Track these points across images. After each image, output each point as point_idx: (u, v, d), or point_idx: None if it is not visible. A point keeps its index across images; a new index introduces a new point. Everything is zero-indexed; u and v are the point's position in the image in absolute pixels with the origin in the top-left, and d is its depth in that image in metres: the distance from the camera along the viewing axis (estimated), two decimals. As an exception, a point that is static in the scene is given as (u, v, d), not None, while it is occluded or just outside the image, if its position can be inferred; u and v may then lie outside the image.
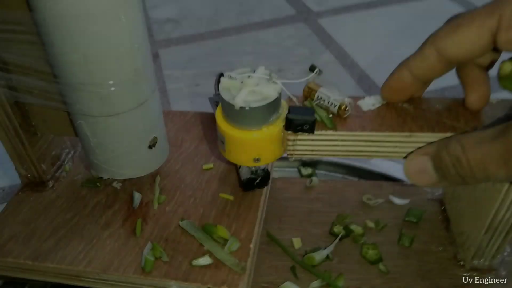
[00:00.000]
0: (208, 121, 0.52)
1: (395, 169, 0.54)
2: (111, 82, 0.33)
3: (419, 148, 0.33)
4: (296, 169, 0.59)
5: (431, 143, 0.33)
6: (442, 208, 0.47)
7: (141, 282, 0.37)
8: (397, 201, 0.48)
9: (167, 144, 0.43)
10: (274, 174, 0.57)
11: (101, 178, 0.44)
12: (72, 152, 0.48)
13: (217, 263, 0.37)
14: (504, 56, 0.32)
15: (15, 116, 0.39)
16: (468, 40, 0.30)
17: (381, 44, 0.87)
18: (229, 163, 0.46)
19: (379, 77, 0.76)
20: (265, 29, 0.94)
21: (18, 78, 0.36)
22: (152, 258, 0.37)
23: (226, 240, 0.38)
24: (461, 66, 0.35)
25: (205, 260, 0.37)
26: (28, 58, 0.34)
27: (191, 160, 0.47)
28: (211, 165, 0.46)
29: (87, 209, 0.42)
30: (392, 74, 0.35)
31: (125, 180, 0.45)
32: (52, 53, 0.32)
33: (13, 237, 0.40)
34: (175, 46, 0.91)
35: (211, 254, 0.37)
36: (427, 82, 0.36)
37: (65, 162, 0.47)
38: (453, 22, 0.31)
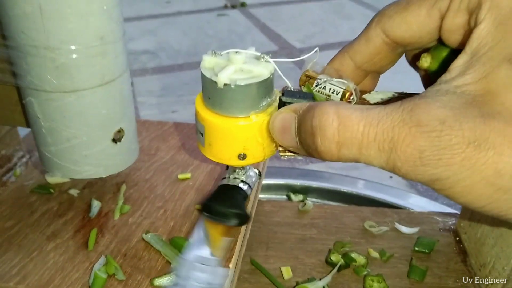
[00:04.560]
0: (189, 131, 0.45)
1: (399, 196, 0.48)
2: (72, 47, 0.28)
3: (290, 105, 0.26)
4: (285, 198, 0.52)
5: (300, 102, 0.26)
6: (457, 238, 0.40)
7: (86, 305, 0.29)
8: (405, 229, 0.41)
9: (136, 143, 0.36)
10: (261, 197, 0.50)
11: (55, 183, 0.37)
12: (27, 157, 0.41)
13: (186, 285, 0.29)
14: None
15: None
16: (417, 21, 0.26)
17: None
18: (210, 173, 0.39)
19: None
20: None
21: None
22: (104, 276, 0.29)
23: (199, 258, 0.31)
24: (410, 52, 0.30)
25: (170, 280, 0.29)
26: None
27: (165, 170, 0.40)
28: (188, 175, 0.39)
29: (33, 217, 0.35)
30: (331, 61, 0.30)
31: (84, 187, 0.38)
32: (1, 3, 0.27)
33: None
34: (150, 75, 0.87)
35: (179, 273, 0.30)
36: (371, 73, 0.31)
37: (17, 166, 0.40)
38: None
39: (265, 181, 0.51)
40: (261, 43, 1.01)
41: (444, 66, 0.28)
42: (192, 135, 0.44)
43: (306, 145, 0.23)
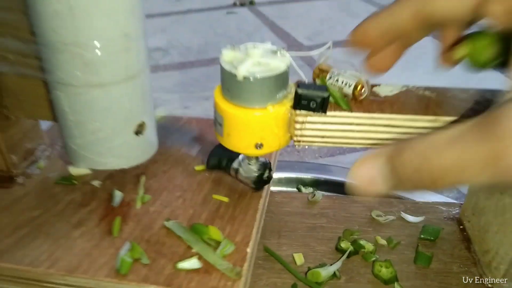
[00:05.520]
0: (204, 126, 0.47)
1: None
2: (97, 44, 0.29)
3: (367, 153, 0.28)
4: (295, 190, 0.54)
5: (379, 147, 0.28)
6: (461, 227, 0.42)
7: (114, 287, 0.30)
8: (411, 218, 0.43)
9: (155, 136, 0.38)
10: (272, 189, 0.51)
11: (78, 175, 0.39)
12: (49, 150, 0.43)
13: (208, 268, 0.31)
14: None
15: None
16: None
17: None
18: (224, 165, 0.41)
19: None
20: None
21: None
22: (130, 260, 0.31)
23: (218, 243, 0.33)
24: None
25: (192, 264, 0.31)
26: (2, 11, 0.30)
27: (182, 162, 0.42)
28: (204, 167, 0.41)
29: (58, 207, 0.36)
30: (360, 23, 0.30)
31: (105, 178, 0.39)
32: (32, 2, 0.28)
33: (-34, 233, 0.34)
34: (162, 72, 0.89)
35: (200, 257, 0.32)
36: (394, 42, 0.30)
37: (40, 159, 0.41)
38: None
39: (276, 175, 0.53)
40: (270, 41, 1.03)
41: (487, 54, 0.28)
42: (206, 129, 0.46)
43: (407, 185, 0.23)
